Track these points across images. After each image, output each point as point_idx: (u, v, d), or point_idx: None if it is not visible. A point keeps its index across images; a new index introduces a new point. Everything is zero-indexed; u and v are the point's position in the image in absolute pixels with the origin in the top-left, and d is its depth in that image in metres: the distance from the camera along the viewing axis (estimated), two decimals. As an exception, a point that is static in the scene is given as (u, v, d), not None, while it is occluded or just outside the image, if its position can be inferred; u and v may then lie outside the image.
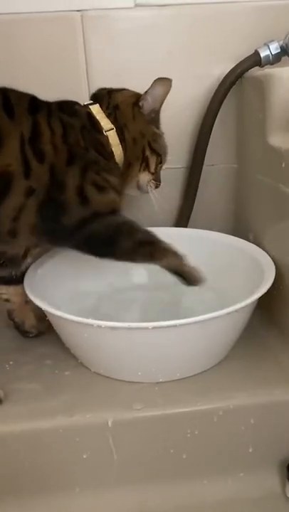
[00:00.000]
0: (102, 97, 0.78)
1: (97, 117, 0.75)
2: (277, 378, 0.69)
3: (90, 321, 0.63)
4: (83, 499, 0.67)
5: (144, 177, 0.79)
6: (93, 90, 0.82)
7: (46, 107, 0.71)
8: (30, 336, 0.81)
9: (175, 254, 0.69)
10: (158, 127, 0.80)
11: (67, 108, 0.73)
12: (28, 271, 0.77)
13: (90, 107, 0.76)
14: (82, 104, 0.76)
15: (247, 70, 0.87)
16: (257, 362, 0.73)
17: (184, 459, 0.67)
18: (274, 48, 0.85)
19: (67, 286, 0.83)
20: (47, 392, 0.69)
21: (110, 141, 0.74)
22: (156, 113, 0.78)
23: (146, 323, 0.62)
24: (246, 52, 0.87)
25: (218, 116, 0.90)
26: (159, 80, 0.75)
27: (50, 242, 0.73)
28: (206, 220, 0.91)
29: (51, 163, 0.67)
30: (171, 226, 0.97)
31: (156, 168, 0.80)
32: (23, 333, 0.82)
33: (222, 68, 0.89)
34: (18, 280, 0.76)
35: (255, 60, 0.86)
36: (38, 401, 0.67)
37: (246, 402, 0.66)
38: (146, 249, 0.69)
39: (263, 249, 0.80)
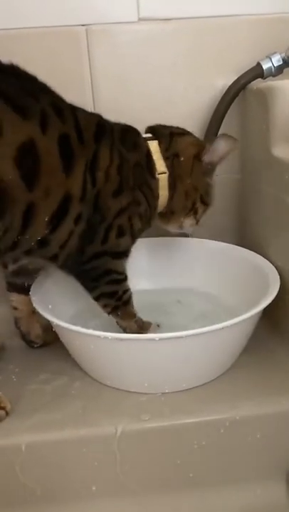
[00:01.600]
0: (161, 136, 0.77)
1: (154, 157, 0.74)
2: (283, 388, 0.69)
3: (96, 332, 0.64)
4: (91, 510, 0.67)
5: (189, 222, 0.81)
6: (98, 103, 0.83)
7: (110, 135, 0.70)
8: (35, 346, 0.82)
9: (136, 321, 0.76)
10: (212, 178, 0.80)
11: (128, 140, 0.73)
12: (35, 282, 0.78)
13: (149, 142, 0.75)
14: (142, 135, 0.76)
15: (250, 81, 0.88)
16: (262, 371, 0.73)
17: (190, 469, 0.67)
18: (276, 60, 0.86)
19: (74, 298, 0.83)
20: (54, 404, 0.69)
21: (160, 184, 0.75)
22: (213, 165, 0.78)
23: (152, 334, 0.63)
24: (249, 64, 0.88)
25: (221, 127, 0.91)
26: (225, 137, 0.75)
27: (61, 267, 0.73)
28: (210, 229, 0.91)
29: (98, 189, 0.68)
30: (175, 236, 0.98)
31: (201, 215, 0.81)
32: (29, 342, 0.82)
33: (225, 80, 0.90)
34: (29, 290, 0.77)
35: (257, 72, 0.87)
36: (45, 413, 0.67)
37: (252, 412, 0.66)
38: (118, 305, 0.75)
39: (268, 259, 0.81)
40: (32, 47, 0.87)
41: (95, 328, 0.66)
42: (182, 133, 0.79)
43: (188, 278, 0.91)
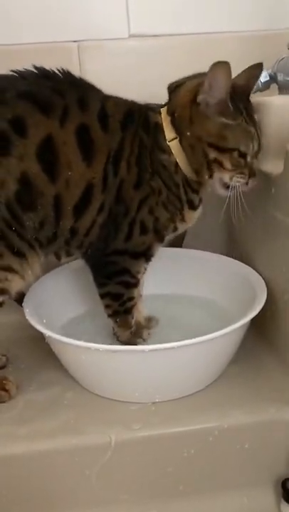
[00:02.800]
0: (170, 95, 0.72)
1: (164, 125, 0.70)
2: (271, 396, 0.71)
3: (88, 344, 0.65)
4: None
5: (222, 177, 0.70)
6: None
7: (137, 122, 0.70)
8: None
9: (130, 331, 0.79)
10: (229, 116, 0.68)
11: (146, 122, 0.71)
12: (28, 293, 0.79)
13: (162, 110, 0.71)
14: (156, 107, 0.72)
15: (237, 96, 0.90)
16: (251, 380, 0.75)
17: (180, 477, 0.69)
18: (263, 76, 0.88)
19: (67, 308, 0.85)
20: (47, 414, 0.70)
21: (174, 152, 0.70)
22: (223, 102, 0.67)
23: (143, 346, 0.64)
24: (236, 79, 0.90)
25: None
26: (214, 65, 0.65)
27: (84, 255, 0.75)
28: (199, 240, 0.93)
29: (121, 179, 0.69)
30: (165, 246, 0.99)
31: (237, 164, 0.70)
32: None
33: (214, 95, 0.92)
34: None
35: (245, 87, 0.89)
36: (37, 422, 0.68)
37: (241, 421, 0.68)
38: (120, 310, 0.77)
39: (255, 270, 0.83)
40: (25, 63, 0.88)
41: (86, 334, 0.67)
42: (182, 82, 0.72)
43: (177, 286, 0.92)
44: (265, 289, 0.77)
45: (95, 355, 0.67)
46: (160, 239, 0.75)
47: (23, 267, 0.69)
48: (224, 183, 0.71)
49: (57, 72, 0.68)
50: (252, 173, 0.71)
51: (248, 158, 0.70)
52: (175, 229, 0.76)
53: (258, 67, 0.73)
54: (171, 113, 0.71)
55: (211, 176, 0.71)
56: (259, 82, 0.89)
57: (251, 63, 0.89)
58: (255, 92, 0.90)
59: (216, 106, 0.67)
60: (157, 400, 0.70)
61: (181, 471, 0.69)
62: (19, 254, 0.68)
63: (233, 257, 0.90)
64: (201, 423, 0.67)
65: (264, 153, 0.79)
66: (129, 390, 0.70)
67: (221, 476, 0.70)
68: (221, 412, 0.69)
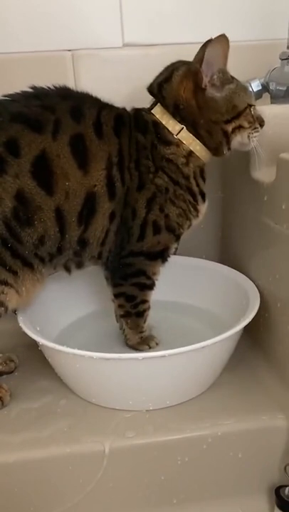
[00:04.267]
0: (156, 94, 0.73)
1: (164, 122, 0.71)
2: (264, 404, 0.71)
3: (81, 352, 0.65)
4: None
5: (240, 138, 0.72)
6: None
7: (128, 126, 0.71)
8: None
9: (141, 337, 0.80)
10: (229, 81, 0.70)
11: (140, 122, 0.72)
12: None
13: (153, 111, 0.72)
14: (146, 108, 0.73)
15: (230, 105, 0.91)
16: (244, 388, 0.75)
17: (174, 485, 0.69)
18: (255, 86, 0.89)
19: (62, 314, 0.85)
20: (40, 422, 0.70)
21: (185, 141, 0.71)
22: (223, 71, 0.69)
23: (136, 353, 0.64)
24: (229, 89, 0.91)
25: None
26: (211, 42, 0.66)
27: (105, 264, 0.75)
28: (193, 247, 0.94)
29: (127, 187, 0.70)
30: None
31: (251, 120, 0.72)
32: None
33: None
34: None
35: (238, 96, 0.90)
36: (31, 431, 0.68)
37: (234, 428, 0.68)
38: (131, 312, 0.78)
39: (249, 277, 0.83)
40: (20, 72, 0.90)
41: (82, 340, 0.67)
42: (167, 77, 0.72)
43: (170, 293, 0.92)
44: (259, 297, 0.77)
45: (88, 363, 0.67)
46: (176, 237, 0.76)
47: (18, 283, 0.70)
48: (243, 144, 0.73)
49: (48, 88, 0.70)
50: (262, 123, 0.74)
51: (253, 109, 0.73)
52: (190, 225, 0.77)
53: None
54: (171, 108, 0.71)
55: (229, 148, 0.73)
56: (252, 91, 0.90)
57: (244, 73, 0.91)
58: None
59: (218, 79, 0.69)
60: (151, 408, 0.70)
61: (175, 479, 0.69)
62: (12, 271, 0.69)
63: (226, 264, 0.90)
64: (194, 431, 0.67)
65: (256, 161, 0.80)
66: (122, 398, 0.70)
67: (215, 484, 0.70)
68: (215, 419, 0.69)
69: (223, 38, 0.67)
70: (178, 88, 0.70)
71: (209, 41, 0.66)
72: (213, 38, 0.66)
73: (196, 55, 0.70)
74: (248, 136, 0.73)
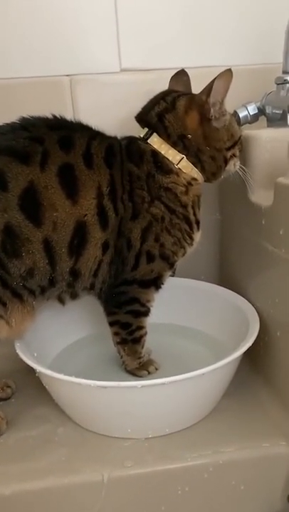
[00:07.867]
0: (155, 124, 0.73)
1: (163, 152, 0.71)
2: (265, 430, 0.70)
3: (79, 380, 0.64)
4: None
5: (232, 165, 0.77)
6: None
7: (119, 156, 0.71)
8: None
9: (139, 362, 0.79)
10: (225, 111, 0.74)
11: (134, 153, 0.72)
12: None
13: (150, 141, 0.72)
14: (140, 138, 0.73)
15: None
16: (244, 414, 0.74)
17: (175, 516, 0.67)
18: (251, 109, 0.90)
19: (59, 340, 0.84)
20: (38, 451, 0.69)
21: (185, 170, 0.72)
22: (221, 103, 0.72)
23: (135, 382, 0.64)
24: (225, 112, 0.92)
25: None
26: (222, 75, 0.70)
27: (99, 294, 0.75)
28: (191, 269, 0.93)
29: (121, 217, 0.70)
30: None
31: (240, 148, 0.78)
32: None
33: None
34: None
35: (234, 119, 0.91)
36: (29, 460, 0.67)
37: (235, 457, 0.67)
38: (127, 339, 0.77)
39: (248, 299, 0.83)
40: (19, 97, 0.91)
41: (79, 364, 0.66)
42: (166, 108, 0.73)
43: (168, 316, 0.92)
44: (258, 320, 0.77)
45: (85, 391, 0.66)
46: (170, 266, 0.75)
47: (7, 314, 0.69)
48: (230, 170, 0.77)
49: (37, 119, 0.70)
50: (241, 149, 0.79)
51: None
52: (184, 253, 0.77)
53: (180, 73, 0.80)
54: (174, 137, 0.72)
55: (223, 174, 0.77)
56: (248, 114, 0.91)
57: (241, 96, 0.92)
58: (244, 124, 0.92)
59: (219, 110, 0.72)
60: (150, 436, 0.69)
61: (176, 509, 0.67)
62: (1, 302, 0.68)
63: (225, 286, 0.90)
64: (195, 459, 0.66)
65: (254, 184, 0.81)
66: (121, 426, 0.69)
67: (217, 514, 0.69)
68: (216, 447, 0.67)
69: (229, 73, 0.70)
70: (184, 118, 0.72)
71: (223, 73, 0.70)
72: (223, 72, 0.71)
73: (205, 87, 0.72)
74: (235, 167, 0.78)
